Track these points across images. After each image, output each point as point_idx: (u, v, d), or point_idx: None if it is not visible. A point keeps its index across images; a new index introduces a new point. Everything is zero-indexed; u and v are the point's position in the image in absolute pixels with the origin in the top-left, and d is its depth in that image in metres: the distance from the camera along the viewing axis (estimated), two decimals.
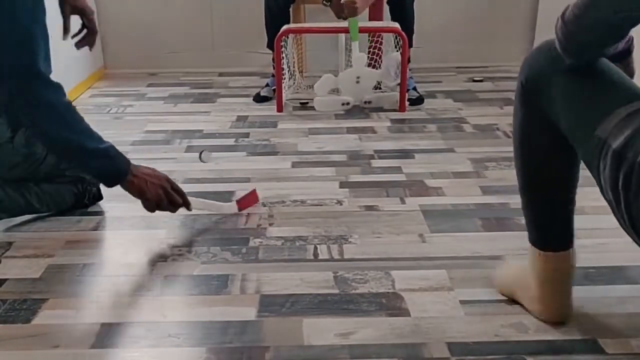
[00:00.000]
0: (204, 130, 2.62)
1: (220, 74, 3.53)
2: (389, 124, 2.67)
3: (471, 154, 2.29)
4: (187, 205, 1.74)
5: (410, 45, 2.85)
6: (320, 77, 2.80)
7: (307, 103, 2.90)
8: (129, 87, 3.28)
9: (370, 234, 1.72)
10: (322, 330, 1.31)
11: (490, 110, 2.84)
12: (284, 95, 2.85)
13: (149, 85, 3.35)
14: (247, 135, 2.55)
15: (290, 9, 3.00)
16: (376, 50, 2.94)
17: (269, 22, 2.93)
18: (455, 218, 1.80)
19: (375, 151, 2.35)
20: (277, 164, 2.24)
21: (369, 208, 1.87)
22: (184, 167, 2.21)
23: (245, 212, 1.85)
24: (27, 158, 1.75)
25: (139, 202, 1.77)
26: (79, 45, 1.84)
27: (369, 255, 1.61)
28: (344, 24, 2.73)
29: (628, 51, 1.17)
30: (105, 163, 1.63)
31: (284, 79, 2.87)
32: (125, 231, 1.77)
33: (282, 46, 2.79)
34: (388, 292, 1.44)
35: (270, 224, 1.78)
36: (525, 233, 1.32)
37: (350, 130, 2.58)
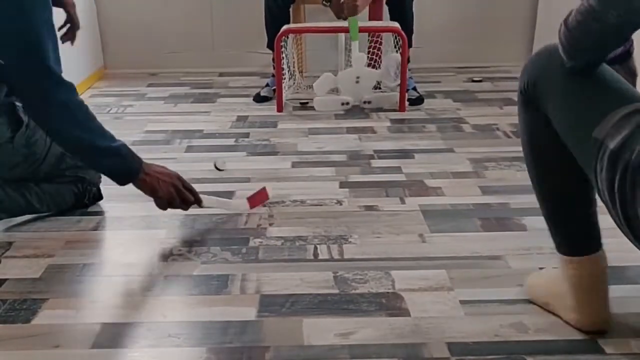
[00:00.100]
0: (204, 130, 2.62)
1: (221, 74, 3.53)
2: (388, 124, 2.67)
3: (471, 154, 2.29)
4: (199, 203, 1.75)
5: (410, 46, 2.86)
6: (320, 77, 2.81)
7: (307, 103, 2.90)
8: (129, 87, 3.28)
9: (370, 234, 1.72)
10: (322, 330, 1.31)
11: (490, 110, 2.84)
12: (284, 95, 2.85)
13: (149, 85, 3.35)
14: (247, 135, 2.55)
15: (290, 9, 3.00)
16: (376, 50, 2.94)
17: (269, 22, 2.93)
18: (455, 218, 1.80)
19: (375, 151, 2.35)
20: (277, 164, 2.24)
21: (369, 208, 1.87)
22: (184, 167, 2.20)
23: (245, 212, 1.85)
24: (27, 158, 1.75)
25: (138, 202, 1.78)
26: (63, 39, 1.85)
27: (369, 255, 1.61)
28: (343, 23, 2.73)
29: (628, 53, 1.18)
30: (117, 162, 1.64)
31: (284, 79, 2.87)
32: (125, 231, 1.77)
33: (282, 46, 2.79)
34: (388, 292, 1.44)
35: (270, 224, 1.78)
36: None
37: (350, 130, 2.58)
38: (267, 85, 3.07)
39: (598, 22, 1.00)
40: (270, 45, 2.91)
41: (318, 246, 1.65)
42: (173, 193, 1.68)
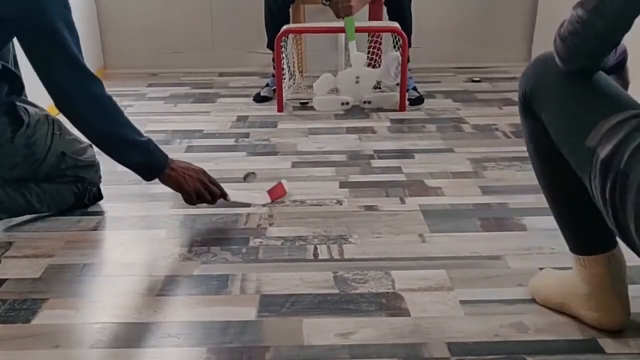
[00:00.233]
0: (204, 130, 2.62)
1: (221, 74, 3.53)
2: (388, 124, 2.67)
3: (470, 154, 2.29)
4: (225, 197, 1.80)
5: (409, 46, 2.85)
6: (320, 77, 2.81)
7: (307, 103, 2.90)
8: (129, 87, 3.28)
9: (370, 234, 1.72)
10: (322, 330, 1.31)
11: (489, 110, 2.84)
12: (284, 95, 2.85)
13: (149, 85, 3.35)
14: (247, 135, 2.55)
15: (290, 9, 3.00)
16: (375, 50, 2.94)
17: (269, 22, 2.93)
18: (455, 218, 1.80)
19: (375, 151, 2.35)
20: (277, 164, 2.24)
21: (369, 208, 1.88)
22: None
23: (245, 212, 1.85)
24: (28, 158, 1.75)
25: (138, 202, 1.78)
26: None
27: (369, 255, 1.61)
28: (343, 23, 2.73)
29: (622, 63, 1.19)
30: (145, 156, 1.68)
31: (284, 79, 2.87)
32: (125, 231, 1.77)
33: (282, 46, 2.79)
34: (388, 292, 1.44)
35: (270, 224, 1.78)
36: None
37: (350, 130, 2.58)
38: (267, 85, 3.07)
39: (587, 30, 1.03)
40: (270, 45, 2.91)
41: (318, 246, 1.65)
42: (199, 187, 1.73)
